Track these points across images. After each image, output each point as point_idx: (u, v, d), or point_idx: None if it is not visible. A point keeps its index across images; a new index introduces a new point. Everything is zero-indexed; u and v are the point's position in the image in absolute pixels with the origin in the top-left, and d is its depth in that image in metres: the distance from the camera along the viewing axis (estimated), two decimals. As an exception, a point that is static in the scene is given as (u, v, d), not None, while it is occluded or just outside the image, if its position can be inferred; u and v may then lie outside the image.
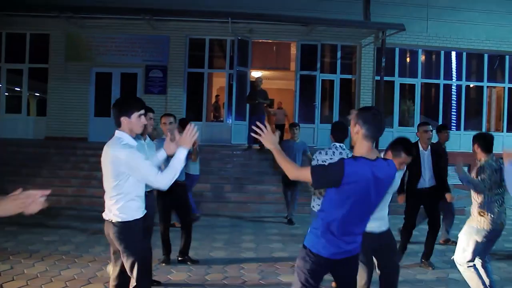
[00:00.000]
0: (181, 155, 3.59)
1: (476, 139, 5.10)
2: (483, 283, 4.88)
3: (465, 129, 15.55)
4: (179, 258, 6.35)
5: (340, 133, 5.38)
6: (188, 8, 12.95)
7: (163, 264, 6.18)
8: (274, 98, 17.61)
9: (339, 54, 14.91)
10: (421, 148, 6.40)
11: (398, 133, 13.75)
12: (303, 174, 3.07)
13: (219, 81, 16.13)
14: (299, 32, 14.05)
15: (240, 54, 13.81)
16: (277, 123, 15.05)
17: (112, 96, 13.75)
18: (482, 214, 4.82)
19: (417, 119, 15.07)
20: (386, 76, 14.21)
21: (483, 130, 15.55)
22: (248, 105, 13.05)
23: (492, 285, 4.93)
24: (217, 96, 16.85)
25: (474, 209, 4.95)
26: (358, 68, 14.80)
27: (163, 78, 14.01)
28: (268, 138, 3.21)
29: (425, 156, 6.36)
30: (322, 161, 5.15)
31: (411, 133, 13.85)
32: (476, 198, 4.95)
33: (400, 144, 4.04)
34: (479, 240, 4.84)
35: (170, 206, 6.32)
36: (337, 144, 5.34)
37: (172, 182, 3.57)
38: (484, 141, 5.03)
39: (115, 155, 3.49)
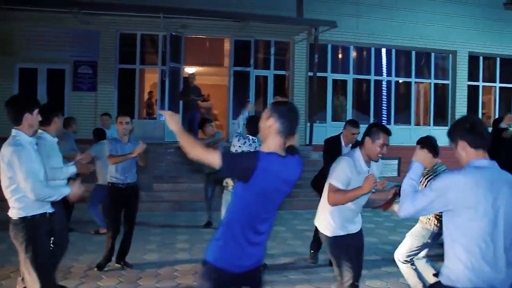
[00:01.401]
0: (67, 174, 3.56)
1: (424, 145, 5.04)
2: (420, 278, 5.00)
3: (395, 123, 16.04)
4: (117, 263, 6.11)
5: (254, 126, 5.74)
6: (118, 2, 12.55)
7: (96, 269, 5.91)
8: (208, 94, 17.47)
9: (272, 50, 14.96)
10: (343, 143, 6.37)
11: (331, 128, 14.06)
12: (211, 157, 2.72)
13: (152, 77, 15.77)
14: (232, 27, 13.94)
15: (173, 50, 13.55)
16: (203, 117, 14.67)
17: (38, 93, 13.11)
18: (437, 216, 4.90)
19: (349, 114, 15.39)
20: (319, 72, 14.40)
21: (412, 124, 16.16)
22: (181, 101, 12.84)
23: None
24: (150, 92, 16.46)
25: None
26: (291, 64, 14.89)
27: (93, 74, 13.50)
28: (174, 119, 2.93)
29: (346, 151, 6.16)
30: (234, 145, 5.97)
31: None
32: None
33: (376, 126, 3.96)
34: (428, 241, 4.93)
35: (120, 211, 6.05)
36: (250, 136, 5.92)
37: (47, 200, 3.60)
38: (432, 146, 5.06)
39: (4, 153, 3.51)
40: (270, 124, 2.81)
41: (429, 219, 4.93)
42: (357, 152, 4.00)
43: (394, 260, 5.16)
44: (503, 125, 5.23)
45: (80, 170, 4.46)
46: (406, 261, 5.02)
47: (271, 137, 2.82)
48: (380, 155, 3.95)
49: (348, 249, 4.03)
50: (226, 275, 2.81)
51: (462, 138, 2.74)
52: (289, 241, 7.77)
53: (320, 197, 4.24)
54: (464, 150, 2.75)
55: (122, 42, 13.91)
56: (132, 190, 6.10)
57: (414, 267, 5.02)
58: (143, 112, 15.50)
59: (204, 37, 15.03)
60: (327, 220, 4.06)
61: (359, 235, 4.24)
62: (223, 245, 2.82)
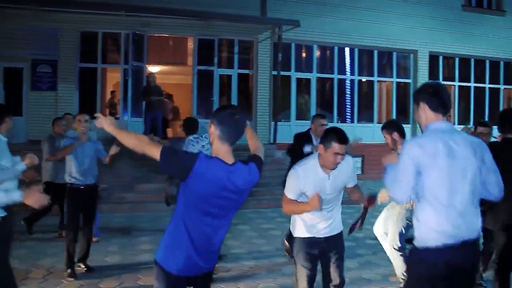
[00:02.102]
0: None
1: (392, 128, 5.18)
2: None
3: (358, 121, 16.24)
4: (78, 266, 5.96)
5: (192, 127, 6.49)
6: (79, -1, 12.29)
7: (72, 278, 5.66)
8: (172, 93, 17.34)
9: (236, 49, 14.90)
10: (313, 137, 6.42)
11: (296, 127, 14.13)
12: (152, 151, 2.69)
13: (114, 76, 15.48)
14: (196, 26, 13.81)
15: (136, 48, 13.37)
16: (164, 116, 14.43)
17: (-5, 93, 12.76)
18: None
19: (313, 113, 15.46)
20: (283, 71, 14.46)
21: (375, 122, 16.38)
22: (144, 101, 12.69)
23: None
24: (112, 92, 16.18)
25: None
26: (255, 63, 14.88)
27: (53, 73, 13.13)
28: (106, 122, 2.91)
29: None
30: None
31: (307, 127, 14.37)
32: None
33: (331, 133, 3.73)
34: (410, 221, 5.05)
35: (79, 213, 5.91)
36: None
37: None
38: (400, 128, 5.19)
39: None
40: (211, 131, 2.79)
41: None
42: (312, 161, 3.83)
43: (355, 256, 5.22)
44: None
45: (29, 164, 4.23)
46: (400, 248, 5.15)
47: (215, 143, 2.80)
48: (335, 165, 3.70)
49: (307, 255, 3.91)
50: (172, 278, 2.81)
51: (423, 100, 2.97)
52: (254, 240, 7.76)
53: None
54: (424, 112, 2.98)
55: (83, 41, 13.58)
56: (92, 191, 6.02)
57: (402, 253, 5.16)
58: (105, 112, 15.22)
59: (167, 35, 14.87)
60: (294, 217, 4.03)
61: (332, 241, 3.97)
62: (170, 246, 2.84)
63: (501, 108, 18.49)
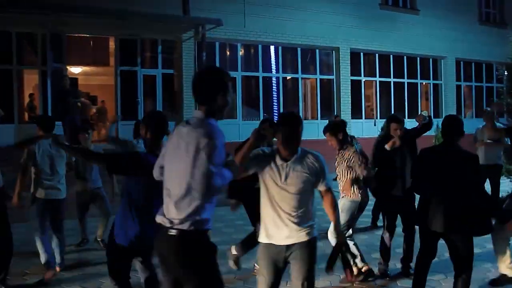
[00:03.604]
0: None
1: (337, 129, 5.24)
2: (358, 249, 5.34)
3: (284, 118, 16.45)
4: None
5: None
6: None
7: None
8: (96, 94, 16.93)
9: (159, 49, 14.73)
10: None
11: (223, 126, 13.84)
12: (101, 162, 3.73)
13: (32, 78, 14.85)
14: (117, 26, 13.46)
15: (54, 49, 12.88)
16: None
17: None
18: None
19: (239, 111, 15.59)
20: (208, 70, 14.35)
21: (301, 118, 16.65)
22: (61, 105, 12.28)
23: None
24: (31, 95, 15.52)
25: (346, 184, 5.20)
26: (179, 63, 14.75)
27: (-38, 77, 12.44)
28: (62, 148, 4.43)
29: None
30: None
31: (235, 125, 14.43)
32: (346, 175, 5.23)
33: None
34: (355, 211, 5.25)
35: None
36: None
37: None
38: (344, 128, 5.31)
39: None
40: (144, 132, 3.66)
41: (354, 192, 5.19)
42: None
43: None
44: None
45: None
46: (350, 235, 5.27)
47: (151, 141, 3.66)
48: None
49: (269, 263, 3.44)
50: (117, 245, 3.66)
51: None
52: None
53: None
54: None
55: (-5, 42, 12.94)
56: None
57: (353, 242, 5.28)
58: (24, 116, 14.60)
59: (87, 36, 14.46)
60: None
61: (292, 249, 3.41)
62: (116, 220, 3.75)
63: (419, 101, 19.46)
